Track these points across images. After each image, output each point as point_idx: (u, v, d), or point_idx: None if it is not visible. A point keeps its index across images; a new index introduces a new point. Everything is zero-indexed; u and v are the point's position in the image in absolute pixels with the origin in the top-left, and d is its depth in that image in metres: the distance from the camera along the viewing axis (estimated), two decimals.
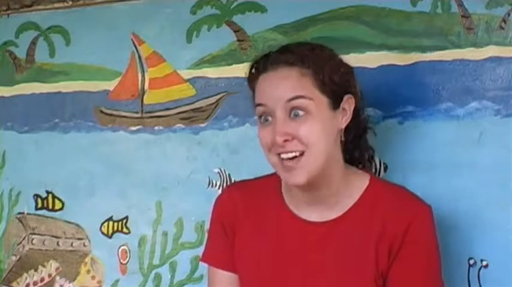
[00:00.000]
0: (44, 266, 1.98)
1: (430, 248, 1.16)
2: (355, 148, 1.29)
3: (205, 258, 1.35)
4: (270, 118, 1.14)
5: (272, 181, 1.27)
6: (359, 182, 1.21)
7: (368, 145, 1.33)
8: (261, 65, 1.18)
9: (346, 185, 1.20)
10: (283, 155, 1.12)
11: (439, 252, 1.17)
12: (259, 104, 1.15)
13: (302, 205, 1.22)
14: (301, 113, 1.11)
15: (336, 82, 1.15)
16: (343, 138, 1.20)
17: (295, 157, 1.12)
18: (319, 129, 1.12)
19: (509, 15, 1.36)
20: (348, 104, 1.18)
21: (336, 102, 1.16)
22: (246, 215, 1.27)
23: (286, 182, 1.17)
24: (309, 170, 1.12)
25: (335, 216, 1.19)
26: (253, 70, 1.20)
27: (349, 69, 1.21)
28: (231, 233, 1.28)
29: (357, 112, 1.23)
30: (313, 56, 1.16)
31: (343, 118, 1.18)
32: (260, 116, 1.16)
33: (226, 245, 1.28)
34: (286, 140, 1.11)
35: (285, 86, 1.13)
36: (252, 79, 1.20)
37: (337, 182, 1.19)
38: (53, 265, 1.96)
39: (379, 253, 1.15)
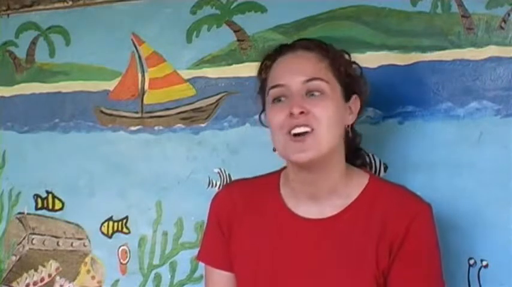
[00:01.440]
0: (44, 266, 1.98)
1: (430, 247, 1.16)
2: (357, 158, 1.30)
3: (201, 257, 1.35)
4: (283, 99, 1.16)
5: (271, 179, 1.28)
6: (358, 181, 1.21)
7: (366, 161, 1.36)
8: (278, 51, 1.22)
9: (345, 183, 1.20)
10: (295, 130, 1.13)
11: (440, 250, 1.17)
12: (275, 86, 1.17)
13: (300, 202, 1.22)
14: (317, 93, 1.15)
15: (350, 75, 1.20)
16: (350, 135, 1.21)
17: (306, 132, 1.13)
18: (332, 110, 1.15)
19: (509, 15, 1.36)
20: (354, 103, 1.21)
21: (347, 95, 1.19)
22: (244, 213, 1.27)
23: (291, 160, 1.17)
24: (317, 149, 1.13)
25: (332, 213, 1.19)
26: (266, 62, 1.23)
27: (361, 72, 1.26)
28: (227, 231, 1.28)
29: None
30: (330, 47, 1.21)
31: (350, 115, 1.21)
32: (274, 98, 1.18)
33: (222, 244, 1.29)
34: (302, 112, 1.12)
35: (303, 67, 1.16)
36: (264, 69, 1.23)
37: (336, 177, 1.20)
38: (53, 265, 1.96)
39: (379, 252, 1.15)
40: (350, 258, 1.16)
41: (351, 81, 1.20)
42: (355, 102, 1.21)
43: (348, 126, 1.21)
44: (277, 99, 1.17)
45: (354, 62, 1.25)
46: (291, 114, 1.12)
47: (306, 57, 1.18)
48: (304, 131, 1.13)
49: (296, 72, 1.16)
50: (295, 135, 1.13)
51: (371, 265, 1.15)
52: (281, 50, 1.22)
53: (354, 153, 1.29)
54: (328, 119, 1.13)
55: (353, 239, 1.17)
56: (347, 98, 1.19)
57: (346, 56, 1.24)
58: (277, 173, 1.28)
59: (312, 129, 1.12)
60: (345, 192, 1.20)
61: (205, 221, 1.35)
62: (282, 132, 1.15)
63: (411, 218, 1.14)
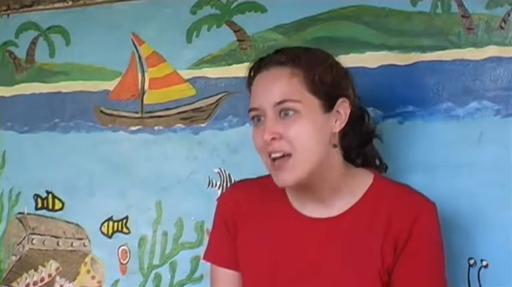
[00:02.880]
0: (44, 266, 1.97)
1: (434, 245, 1.17)
2: (359, 155, 1.29)
3: (207, 257, 1.35)
4: (262, 118, 1.15)
5: None
6: (362, 181, 1.21)
7: (375, 153, 1.32)
8: (256, 67, 1.20)
9: (349, 184, 1.20)
10: (273, 155, 1.13)
11: (443, 249, 1.18)
12: (251, 109, 1.17)
13: (305, 202, 1.22)
14: (290, 113, 1.12)
15: (327, 83, 1.15)
16: (336, 142, 1.19)
17: (284, 155, 1.12)
18: (308, 130, 1.12)
19: (509, 15, 1.36)
20: (343, 107, 1.17)
21: (328, 105, 1.15)
22: (249, 213, 1.27)
23: (276, 183, 1.16)
24: (297, 173, 1.12)
25: (338, 213, 1.19)
26: (251, 73, 1.21)
27: (344, 72, 1.21)
28: (233, 231, 1.29)
29: (355, 118, 1.23)
30: (305, 56, 1.16)
31: (337, 121, 1.17)
32: (253, 118, 1.17)
33: (229, 244, 1.29)
34: (273, 138, 1.12)
35: (273, 88, 1.14)
36: (249, 83, 1.22)
37: (335, 182, 1.19)
38: (53, 265, 1.96)
39: (384, 250, 1.15)
40: (355, 257, 1.17)
41: (330, 89, 1.15)
42: (343, 105, 1.17)
43: (335, 134, 1.18)
44: (257, 119, 1.16)
45: (335, 64, 1.19)
46: (265, 141, 1.12)
47: (277, 75, 1.14)
48: (280, 155, 1.12)
49: (267, 94, 1.13)
50: (274, 159, 1.13)
51: (376, 263, 1.15)
52: (258, 67, 1.19)
53: (357, 149, 1.28)
54: (303, 140, 1.12)
55: (358, 238, 1.17)
56: (330, 106, 1.15)
57: (324, 61, 1.18)
58: None
59: (289, 154, 1.12)
60: (349, 191, 1.20)
61: (206, 221, 1.35)
62: (263, 154, 1.16)
63: (416, 216, 1.15)
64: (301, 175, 1.13)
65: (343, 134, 1.21)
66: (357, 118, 1.26)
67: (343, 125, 1.18)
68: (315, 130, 1.13)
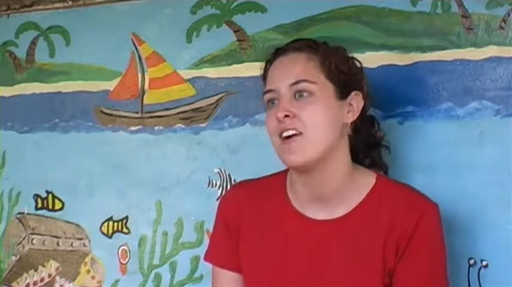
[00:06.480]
0: (44, 266, 1.97)
1: (436, 246, 1.17)
2: (366, 157, 1.30)
3: (208, 257, 1.35)
4: (276, 101, 1.17)
5: (277, 180, 1.28)
6: (365, 181, 1.21)
7: (381, 161, 1.34)
8: (273, 55, 1.23)
9: (352, 184, 1.20)
10: (285, 133, 1.14)
11: (445, 250, 1.18)
12: (267, 91, 1.19)
13: (307, 203, 1.22)
14: (305, 94, 1.14)
15: (343, 71, 1.18)
16: (350, 133, 1.20)
17: (295, 135, 1.13)
18: (322, 113, 1.14)
19: (509, 15, 1.36)
20: (356, 100, 1.19)
21: (342, 93, 1.17)
22: (251, 214, 1.27)
23: (285, 163, 1.17)
24: (307, 152, 1.12)
25: (341, 214, 1.19)
26: (267, 65, 1.24)
27: (359, 68, 1.25)
28: (235, 232, 1.28)
29: (366, 116, 1.25)
30: (322, 45, 1.21)
31: (350, 113, 1.19)
32: (268, 102, 1.19)
33: (231, 245, 1.29)
34: (287, 116, 1.13)
35: (290, 70, 1.16)
36: (265, 72, 1.24)
37: (341, 178, 1.19)
38: (53, 265, 1.96)
39: (386, 251, 1.15)
40: (357, 258, 1.17)
41: (346, 78, 1.18)
42: (355, 98, 1.19)
43: (351, 123, 1.20)
44: (271, 103, 1.18)
45: (351, 58, 1.24)
46: (278, 119, 1.13)
47: (295, 59, 1.18)
48: (292, 133, 1.13)
49: (284, 76, 1.16)
50: (286, 137, 1.14)
51: (378, 264, 1.16)
52: (276, 53, 1.22)
53: (364, 151, 1.29)
54: (316, 122, 1.13)
55: (361, 240, 1.17)
56: (344, 95, 1.18)
57: (341, 53, 1.23)
58: (284, 174, 1.28)
59: (300, 133, 1.12)
60: (352, 192, 1.20)
61: (206, 221, 1.35)
62: (275, 136, 1.16)
63: (418, 217, 1.15)
64: (311, 155, 1.13)
65: (354, 131, 1.22)
66: (367, 121, 1.29)
67: (355, 116, 1.20)
68: (328, 114, 1.15)
